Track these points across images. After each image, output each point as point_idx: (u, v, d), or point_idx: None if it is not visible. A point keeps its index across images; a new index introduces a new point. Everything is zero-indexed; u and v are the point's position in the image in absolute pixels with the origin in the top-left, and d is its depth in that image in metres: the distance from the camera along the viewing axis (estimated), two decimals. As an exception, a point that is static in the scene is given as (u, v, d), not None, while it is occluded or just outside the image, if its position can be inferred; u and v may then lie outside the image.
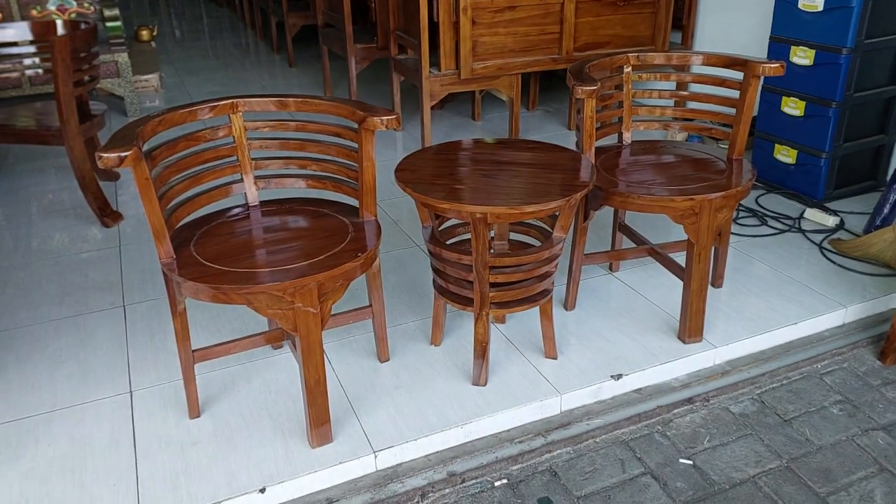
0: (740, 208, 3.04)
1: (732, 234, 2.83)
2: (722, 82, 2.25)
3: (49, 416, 1.92)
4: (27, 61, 3.09)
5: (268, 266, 1.64)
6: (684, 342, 2.16)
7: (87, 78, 3.09)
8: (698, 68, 3.05)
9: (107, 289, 2.54)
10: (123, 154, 1.50)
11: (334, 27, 4.44)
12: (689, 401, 2.05)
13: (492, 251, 2.13)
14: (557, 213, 1.88)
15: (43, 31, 3.10)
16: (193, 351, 1.83)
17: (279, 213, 1.93)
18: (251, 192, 1.96)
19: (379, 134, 4.11)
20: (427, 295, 2.45)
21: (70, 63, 2.82)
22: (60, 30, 3.10)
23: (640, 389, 2.07)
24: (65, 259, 2.77)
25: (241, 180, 1.94)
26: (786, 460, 1.84)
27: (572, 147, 2.17)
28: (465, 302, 1.93)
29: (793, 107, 3.04)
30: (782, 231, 2.85)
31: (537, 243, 2.16)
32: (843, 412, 2.01)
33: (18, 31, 3.08)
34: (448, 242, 2.02)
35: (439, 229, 2.03)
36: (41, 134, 2.93)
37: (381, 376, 2.04)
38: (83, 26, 3.04)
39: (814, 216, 2.91)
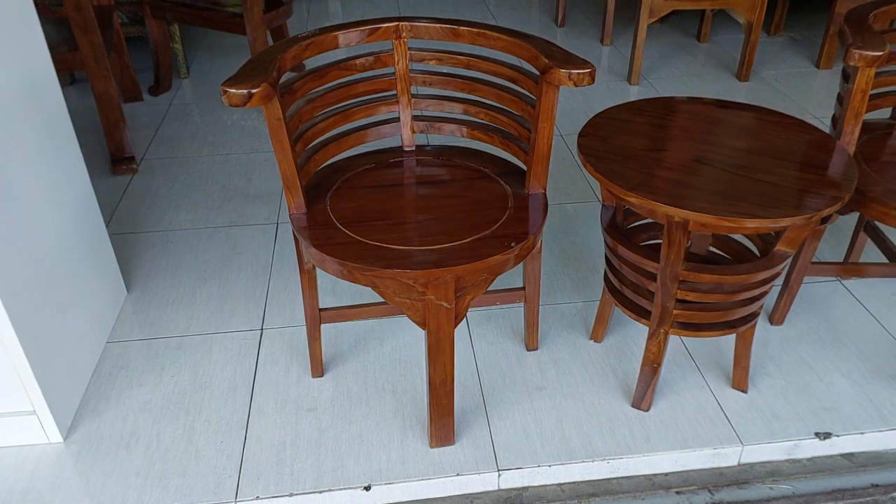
0: None
1: None
2: None
3: (180, 340, 1.85)
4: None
5: (403, 243, 1.36)
6: (929, 404, 1.63)
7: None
8: None
9: (265, 199, 2.43)
10: (252, 90, 1.26)
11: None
12: (920, 485, 1.56)
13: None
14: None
15: None
16: (321, 310, 1.63)
17: (434, 164, 1.62)
18: (406, 134, 1.66)
19: (581, 48, 3.60)
20: (599, 272, 2.07)
21: (256, -53, 2.62)
22: None
23: (851, 455, 1.60)
24: (234, 158, 2.69)
25: (398, 119, 1.65)
26: None
27: (814, 104, 1.60)
28: (640, 312, 1.55)
29: None
30: None
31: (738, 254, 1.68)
32: None
33: None
34: (629, 227, 1.61)
35: (625, 209, 1.63)
36: (224, 20, 2.81)
37: (523, 369, 1.74)
38: None
39: None
